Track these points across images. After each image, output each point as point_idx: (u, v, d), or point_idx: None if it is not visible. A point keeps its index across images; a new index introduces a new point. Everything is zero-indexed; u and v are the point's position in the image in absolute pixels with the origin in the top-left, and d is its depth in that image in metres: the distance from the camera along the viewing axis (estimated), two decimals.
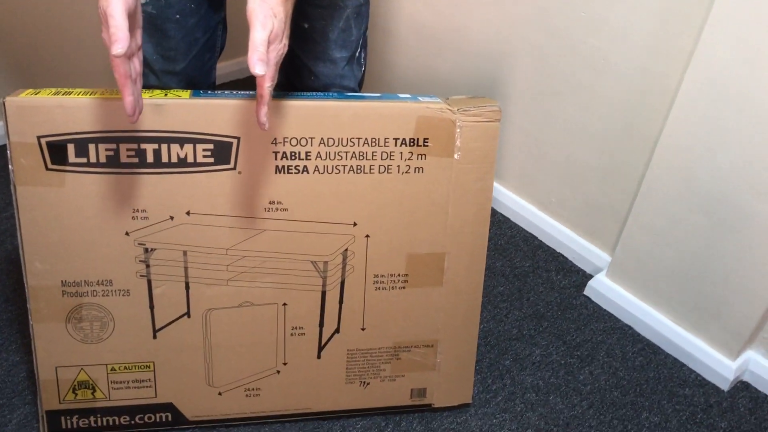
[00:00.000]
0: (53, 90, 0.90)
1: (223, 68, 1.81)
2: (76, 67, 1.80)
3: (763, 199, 1.14)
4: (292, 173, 0.96)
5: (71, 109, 0.88)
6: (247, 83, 2.16)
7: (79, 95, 0.89)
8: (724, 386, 1.29)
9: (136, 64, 0.76)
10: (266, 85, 0.76)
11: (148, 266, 0.97)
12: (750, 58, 1.08)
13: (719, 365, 1.30)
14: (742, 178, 1.16)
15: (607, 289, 1.45)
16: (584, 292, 1.49)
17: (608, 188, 1.46)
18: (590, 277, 1.53)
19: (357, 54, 1.10)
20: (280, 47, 0.77)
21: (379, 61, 1.89)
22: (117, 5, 0.69)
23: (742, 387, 1.31)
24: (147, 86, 0.95)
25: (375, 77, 1.91)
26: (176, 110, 0.90)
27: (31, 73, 1.73)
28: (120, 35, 0.69)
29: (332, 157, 0.96)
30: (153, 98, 0.89)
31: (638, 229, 1.36)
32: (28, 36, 1.68)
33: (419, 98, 0.99)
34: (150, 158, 0.91)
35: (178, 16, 0.98)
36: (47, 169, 0.90)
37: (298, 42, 1.06)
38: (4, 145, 1.72)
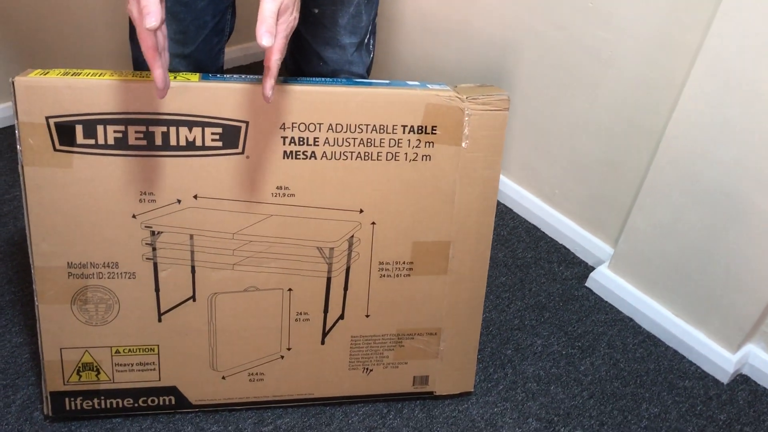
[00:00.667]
0: (62, 70, 0.90)
1: (228, 53, 1.81)
2: (85, 48, 1.79)
3: (766, 193, 1.14)
4: (299, 159, 0.96)
5: (80, 90, 0.87)
6: (252, 70, 2.16)
7: (88, 76, 0.88)
8: (724, 379, 1.30)
9: (160, 38, 0.76)
10: (274, 58, 0.76)
11: (154, 249, 0.97)
12: (758, 52, 1.08)
13: (719, 358, 1.30)
14: (746, 172, 1.16)
15: (609, 281, 1.45)
16: (586, 284, 1.49)
17: (612, 180, 1.46)
18: (592, 269, 1.53)
19: (366, 40, 1.09)
20: (290, 20, 0.77)
21: (384, 50, 1.88)
22: None
23: (741, 380, 1.32)
24: None
25: (380, 66, 1.91)
26: (185, 93, 0.90)
27: (39, 53, 1.72)
28: (153, 8, 0.69)
29: (340, 144, 0.96)
30: None
31: (641, 222, 1.36)
32: (37, 17, 1.67)
33: (428, 86, 0.99)
34: (158, 141, 0.91)
35: None
36: (55, 150, 0.89)
37: (307, 27, 1.05)
38: (12, 126, 1.72)
